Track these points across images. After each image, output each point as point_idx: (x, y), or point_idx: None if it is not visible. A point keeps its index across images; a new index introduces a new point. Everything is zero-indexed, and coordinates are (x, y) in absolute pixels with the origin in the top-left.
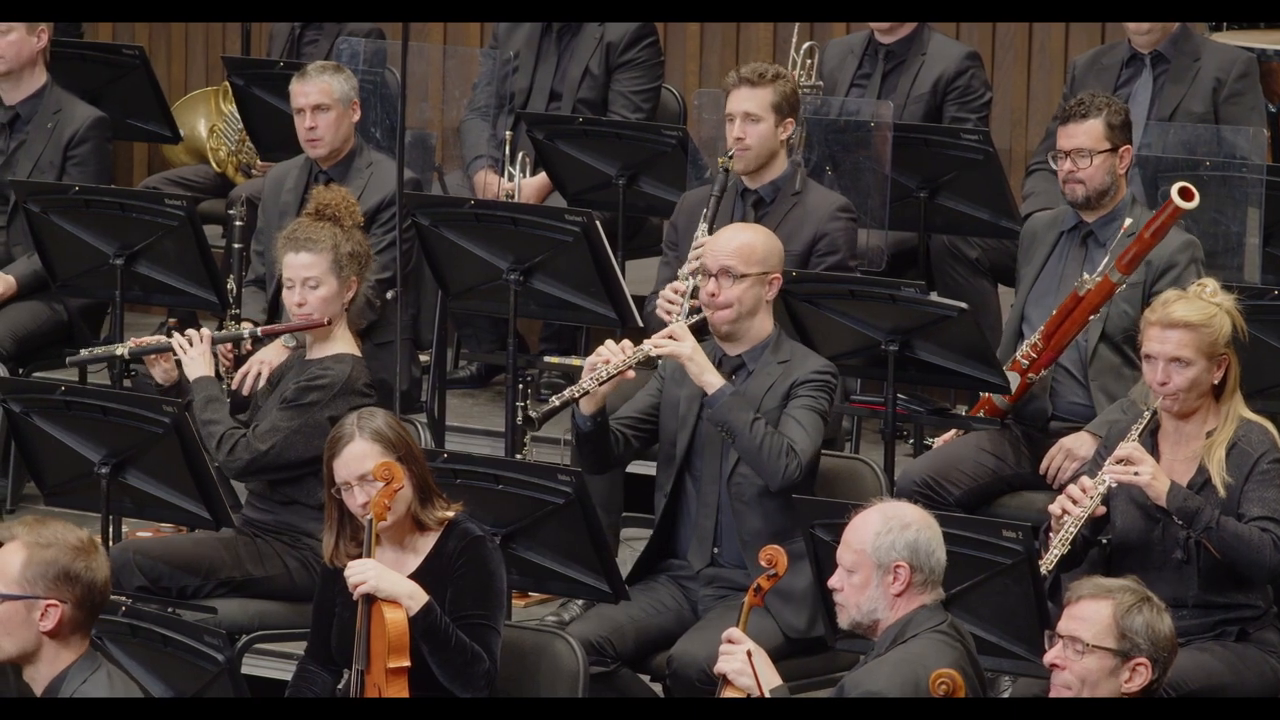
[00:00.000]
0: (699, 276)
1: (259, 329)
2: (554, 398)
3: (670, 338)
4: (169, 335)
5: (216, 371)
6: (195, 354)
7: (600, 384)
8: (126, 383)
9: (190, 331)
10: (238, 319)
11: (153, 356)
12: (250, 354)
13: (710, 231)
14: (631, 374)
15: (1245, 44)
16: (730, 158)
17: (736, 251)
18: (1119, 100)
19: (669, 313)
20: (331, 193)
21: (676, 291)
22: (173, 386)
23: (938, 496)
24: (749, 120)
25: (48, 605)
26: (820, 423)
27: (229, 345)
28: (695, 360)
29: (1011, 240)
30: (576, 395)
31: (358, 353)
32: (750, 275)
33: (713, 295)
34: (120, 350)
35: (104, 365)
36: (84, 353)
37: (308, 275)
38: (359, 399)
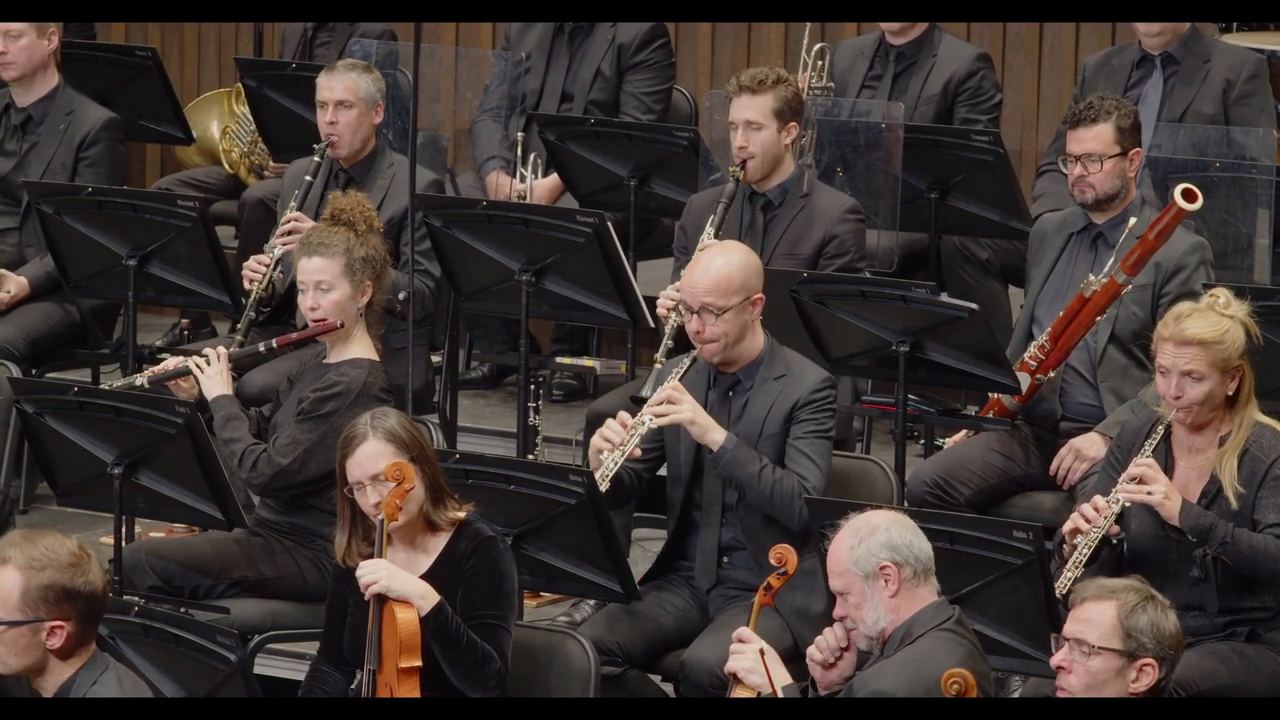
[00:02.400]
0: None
1: (274, 340)
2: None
3: (668, 401)
4: (182, 334)
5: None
6: (213, 373)
7: (610, 478)
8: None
9: (207, 351)
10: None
11: (173, 380)
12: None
13: (717, 235)
14: (638, 452)
15: (1255, 45)
16: (742, 167)
17: (714, 288)
18: (1128, 102)
19: (669, 310)
20: (348, 198)
21: (677, 289)
22: (197, 401)
23: (948, 497)
24: (751, 128)
25: (53, 626)
26: (828, 447)
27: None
28: (697, 422)
29: (1022, 241)
30: None
31: (375, 356)
32: (732, 307)
33: (698, 332)
34: (140, 380)
35: (116, 366)
36: (104, 387)
37: (320, 279)
38: (376, 404)
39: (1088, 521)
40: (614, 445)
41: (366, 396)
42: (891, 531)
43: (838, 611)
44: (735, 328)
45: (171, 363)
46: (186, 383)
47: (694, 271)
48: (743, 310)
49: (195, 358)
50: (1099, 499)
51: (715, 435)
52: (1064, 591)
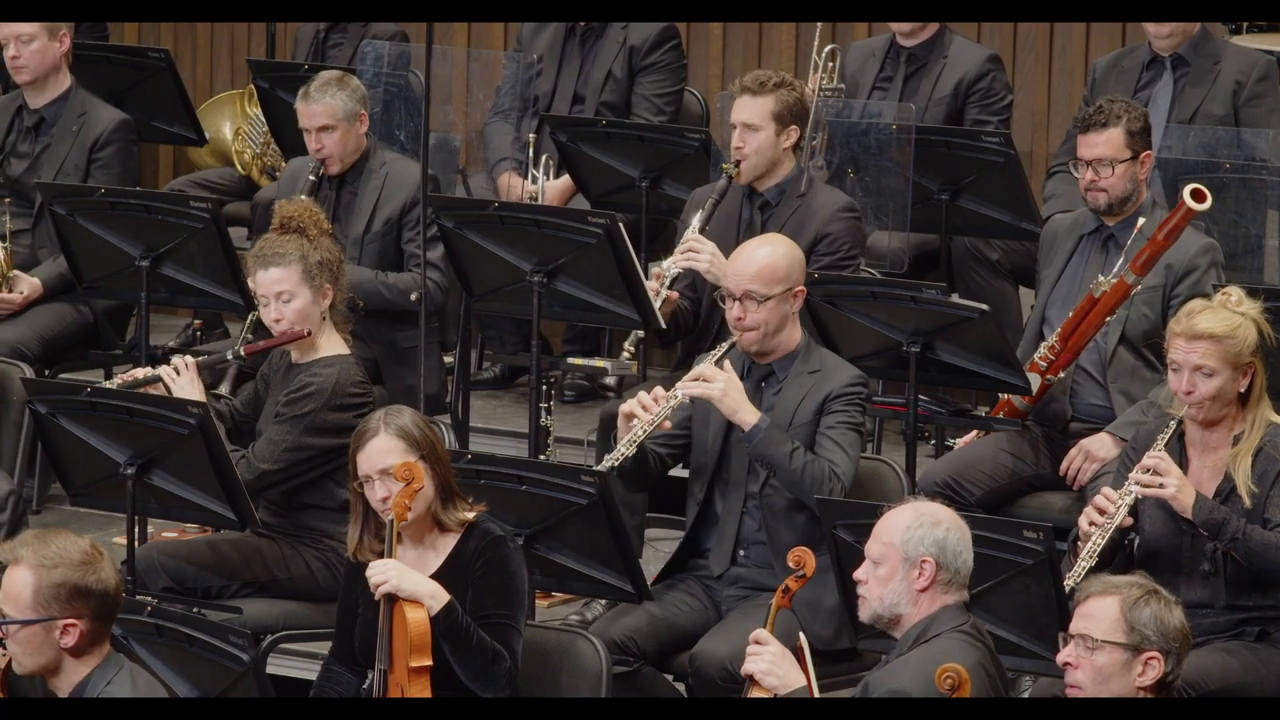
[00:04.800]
0: (673, 268)
1: (241, 348)
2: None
3: (702, 379)
4: (195, 334)
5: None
6: (184, 381)
7: (637, 445)
8: None
9: (175, 359)
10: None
11: (143, 388)
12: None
13: (702, 230)
14: (668, 425)
15: (1265, 47)
16: (736, 166)
17: (757, 275)
18: (1138, 104)
19: (657, 276)
20: (294, 205)
21: (655, 278)
22: None
23: (958, 497)
24: (748, 130)
25: (66, 625)
26: (857, 439)
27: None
28: (726, 402)
29: (1032, 242)
30: (617, 461)
31: (346, 351)
32: (774, 296)
33: (739, 319)
34: (110, 387)
35: (130, 366)
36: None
37: (280, 289)
38: (351, 400)
39: (1101, 513)
40: (646, 413)
41: (340, 394)
42: (950, 533)
43: (859, 574)
44: (776, 317)
45: (141, 371)
46: (156, 390)
47: (739, 258)
48: (784, 300)
49: (165, 366)
50: (1109, 490)
51: (746, 415)
52: (1075, 583)
